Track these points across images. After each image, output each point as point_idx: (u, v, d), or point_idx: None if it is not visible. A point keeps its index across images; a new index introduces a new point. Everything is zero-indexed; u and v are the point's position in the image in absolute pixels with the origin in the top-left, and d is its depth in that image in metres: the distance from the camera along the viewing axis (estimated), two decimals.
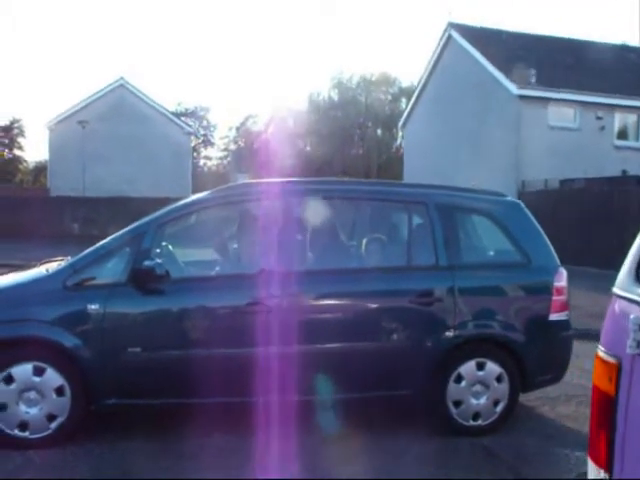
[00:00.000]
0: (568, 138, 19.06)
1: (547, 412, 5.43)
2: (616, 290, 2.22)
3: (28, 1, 74.73)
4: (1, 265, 10.28)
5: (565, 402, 5.65)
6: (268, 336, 4.38)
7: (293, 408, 4.44)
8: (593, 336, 7.31)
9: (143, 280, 4.37)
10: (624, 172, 18.55)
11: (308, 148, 44.23)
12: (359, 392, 4.69)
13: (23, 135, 51.53)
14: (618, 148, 19.99)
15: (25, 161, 52.89)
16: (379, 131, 44.12)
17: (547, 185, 18.00)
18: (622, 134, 20.43)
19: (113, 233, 4.72)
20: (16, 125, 50.73)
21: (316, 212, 4.85)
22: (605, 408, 2.11)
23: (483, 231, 5.28)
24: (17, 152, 51.25)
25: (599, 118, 19.61)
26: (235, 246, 5.28)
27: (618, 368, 2.05)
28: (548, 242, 5.11)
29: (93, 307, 4.32)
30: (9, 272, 5.25)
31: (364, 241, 5.13)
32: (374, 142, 42.41)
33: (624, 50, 23.18)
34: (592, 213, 15.35)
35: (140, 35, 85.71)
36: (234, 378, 4.37)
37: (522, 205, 5.22)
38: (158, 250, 4.64)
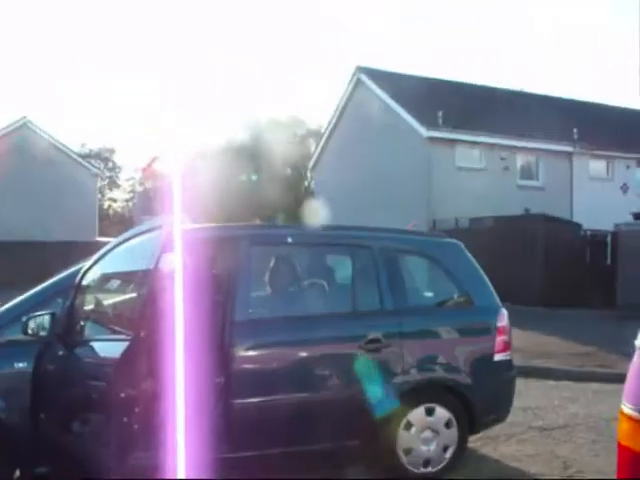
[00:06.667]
0: (475, 178, 19.79)
1: (490, 452, 5.41)
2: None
3: None
4: None
5: (506, 441, 5.66)
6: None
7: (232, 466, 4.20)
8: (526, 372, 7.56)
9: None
10: (526, 210, 19.41)
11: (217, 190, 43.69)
12: (306, 445, 4.45)
13: None
14: (521, 187, 20.99)
15: None
16: (289, 172, 44.40)
17: (458, 224, 18.53)
18: (525, 174, 21.51)
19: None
20: None
21: (257, 259, 4.68)
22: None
23: (426, 273, 5.26)
24: None
25: (502, 159, 20.55)
26: None
27: None
28: (488, 282, 5.15)
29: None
30: None
31: (307, 287, 4.98)
32: (285, 183, 42.70)
33: (521, 96, 24.53)
34: (501, 250, 15.88)
35: (39, 77, 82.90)
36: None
37: (462, 246, 5.25)
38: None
